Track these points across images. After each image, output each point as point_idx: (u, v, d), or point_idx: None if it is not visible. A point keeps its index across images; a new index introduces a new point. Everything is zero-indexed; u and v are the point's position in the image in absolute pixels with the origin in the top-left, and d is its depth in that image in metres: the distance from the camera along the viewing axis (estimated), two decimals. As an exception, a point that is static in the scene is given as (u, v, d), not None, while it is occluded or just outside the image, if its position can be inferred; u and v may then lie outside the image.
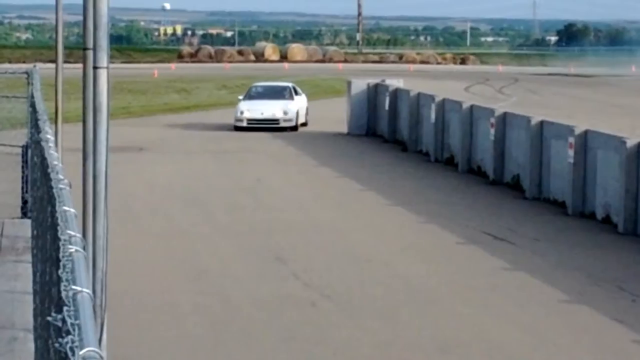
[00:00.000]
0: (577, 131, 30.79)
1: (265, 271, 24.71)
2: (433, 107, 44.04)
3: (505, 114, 37.15)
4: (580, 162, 30.48)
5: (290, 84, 42.90)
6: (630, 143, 27.76)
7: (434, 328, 20.38)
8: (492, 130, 36.82)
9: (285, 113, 38.06)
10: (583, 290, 20.41)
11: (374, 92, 51.84)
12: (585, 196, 29.71)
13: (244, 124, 37.84)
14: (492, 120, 36.70)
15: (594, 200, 28.77)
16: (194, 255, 26.37)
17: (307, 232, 29.68)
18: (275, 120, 37.56)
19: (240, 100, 41.14)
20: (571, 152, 30.77)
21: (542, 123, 33.40)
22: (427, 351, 19.01)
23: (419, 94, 46.83)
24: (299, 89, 47.95)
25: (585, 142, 30.68)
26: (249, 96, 40.44)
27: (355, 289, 23.48)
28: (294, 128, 37.38)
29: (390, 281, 24.29)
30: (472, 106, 41.39)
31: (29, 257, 15.73)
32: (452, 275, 22.97)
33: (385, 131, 49.89)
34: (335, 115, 54.08)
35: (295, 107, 39.28)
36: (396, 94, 49.06)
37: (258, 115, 38.24)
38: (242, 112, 38.79)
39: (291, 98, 41.46)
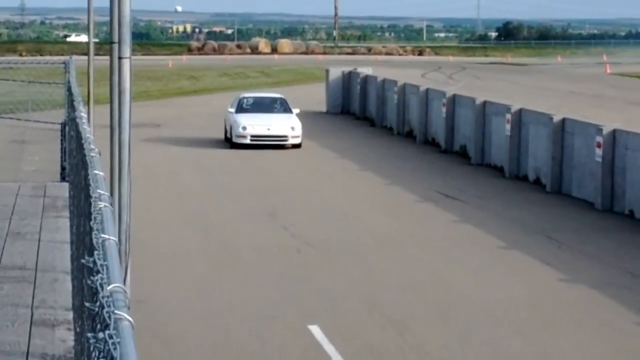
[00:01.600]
0: (513, 109, 31.25)
1: (259, 224, 24.68)
2: (396, 90, 44.42)
3: (454, 96, 37.58)
4: (515, 134, 30.93)
5: (280, 95, 34.92)
6: (556, 119, 28.20)
7: (397, 270, 20.57)
8: (444, 109, 36.95)
9: (292, 129, 29.75)
10: (518, 239, 20.28)
11: (348, 78, 52.31)
12: (519, 162, 29.99)
13: (247, 141, 29.37)
14: (444, 100, 36.91)
15: (527, 166, 29.04)
16: (201, 210, 26.53)
17: (294, 192, 29.76)
18: (284, 137, 29.35)
19: (232, 112, 31.94)
20: (508, 127, 31.12)
21: (484, 103, 33.80)
22: (392, 289, 19.11)
23: (384, 80, 47.24)
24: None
25: (519, 118, 31.12)
26: (242, 109, 31.50)
27: (332, 238, 23.46)
28: (299, 145, 30.12)
29: (362, 232, 24.32)
30: (427, 89, 40.98)
31: (66, 213, 15.79)
32: (412, 227, 22.92)
33: (357, 110, 50.33)
34: (316, 97, 54.04)
35: (299, 122, 30.90)
36: (366, 79, 49.69)
37: (264, 132, 29.56)
38: (244, 128, 29.54)
39: (290, 111, 32.54)
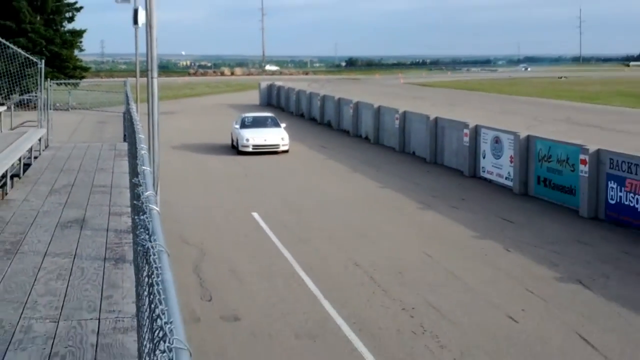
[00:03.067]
0: (400, 110, 29.65)
1: (235, 170, 25.98)
2: (295, 92, 47.85)
3: (380, 107, 36.62)
4: (401, 126, 30.37)
5: (271, 114, 32.71)
6: (432, 117, 26.61)
7: (301, 183, 22.34)
8: (351, 110, 35.56)
9: (282, 139, 28.88)
10: (429, 201, 19.19)
11: (269, 87, 57.04)
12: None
13: (250, 149, 28.23)
14: (351, 106, 35.78)
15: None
16: (201, 161, 28.13)
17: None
18: (276, 145, 28.44)
19: (236, 127, 30.19)
20: (397, 122, 29.91)
21: (379, 107, 33.98)
22: (296, 194, 20.78)
23: (287, 87, 52.56)
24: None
25: (404, 116, 29.37)
26: (244, 125, 29.87)
27: (266, 171, 25.31)
28: (287, 151, 28.72)
29: (284, 168, 25.87)
30: (310, 92, 43.56)
31: (126, 158, 15.61)
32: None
33: (274, 103, 54.50)
34: (253, 97, 59.41)
35: (287, 134, 29.33)
36: (279, 87, 54.69)
37: (262, 142, 28.46)
38: (247, 140, 28.54)
39: (279, 126, 30.37)
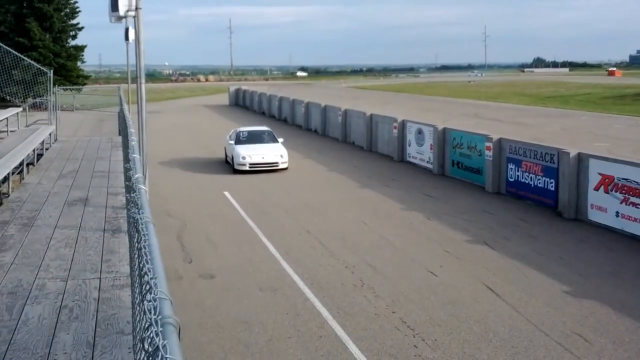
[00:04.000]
0: (342, 109, 28.89)
1: (198, 147, 25.99)
2: (257, 95, 47.18)
3: (326, 105, 33.02)
4: (344, 121, 29.71)
5: (267, 128, 25.17)
6: (368, 114, 26.13)
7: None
8: (303, 108, 36.18)
9: (281, 157, 22.30)
10: (366, 181, 18.72)
11: (236, 91, 55.77)
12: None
13: (247, 168, 21.69)
14: (291, 99, 36.63)
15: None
16: (175, 141, 27.60)
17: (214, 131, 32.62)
18: (275, 163, 21.96)
19: (231, 143, 23.00)
20: (340, 118, 30.04)
21: (325, 106, 33.56)
22: (264, 178, 20.34)
23: (252, 91, 51.02)
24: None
25: (345, 113, 28.60)
26: (239, 140, 23.08)
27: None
28: (286, 169, 22.07)
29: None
30: (270, 95, 43.36)
31: (121, 149, 15.46)
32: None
33: (241, 104, 53.36)
34: (223, 99, 58.23)
35: (285, 150, 22.59)
36: (244, 91, 53.36)
37: (260, 160, 21.91)
38: (244, 158, 21.88)
39: (276, 141, 23.18)
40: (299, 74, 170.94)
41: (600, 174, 13.97)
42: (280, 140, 22.95)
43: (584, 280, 10.71)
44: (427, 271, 11.22)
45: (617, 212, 13.41)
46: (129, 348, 4.81)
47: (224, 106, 54.59)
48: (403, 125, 23.49)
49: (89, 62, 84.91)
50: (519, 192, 16.86)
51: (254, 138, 22.96)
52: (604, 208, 13.82)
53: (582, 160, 14.60)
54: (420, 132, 22.43)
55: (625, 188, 13.23)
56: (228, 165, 23.06)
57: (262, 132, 23.92)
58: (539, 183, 15.99)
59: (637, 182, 12.93)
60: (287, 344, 8.39)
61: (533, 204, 16.09)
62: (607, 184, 13.75)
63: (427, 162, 21.69)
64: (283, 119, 40.31)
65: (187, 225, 14.62)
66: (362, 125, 27.17)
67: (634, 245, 12.59)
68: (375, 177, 20.70)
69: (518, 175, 16.89)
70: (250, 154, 21.64)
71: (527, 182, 16.49)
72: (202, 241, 13.25)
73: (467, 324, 8.99)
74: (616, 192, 13.49)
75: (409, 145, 23.04)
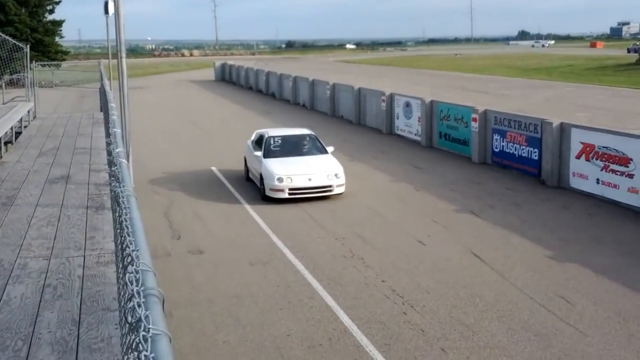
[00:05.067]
0: (330, 83, 28.63)
1: (184, 123, 25.82)
2: (244, 69, 46.56)
3: (314, 80, 32.98)
4: (332, 95, 29.74)
5: (309, 131, 16.13)
6: (356, 87, 25.99)
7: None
8: (291, 83, 35.62)
9: (337, 176, 13.94)
10: (355, 154, 18.54)
11: (222, 65, 54.84)
12: (334, 109, 27.72)
13: (286, 195, 13.57)
14: (277, 73, 35.87)
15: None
16: (160, 118, 27.25)
17: (204, 113, 32.52)
18: (327, 188, 13.77)
19: (258, 155, 14.74)
20: (328, 92, 29.54)
21: (313, 80, 33.04)
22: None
23: (238, 66, 50.11)
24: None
25: (334, 87, 28.39)
26: (270, 151, 14.79)
27: (218, 129, 24.50)
28: (342, 193, 14.14)
29: (232, 129, 24.57)
30: (257, 69, 42.68)
31: (102, 125, 15.01)
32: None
33: (227, 79, 52.61)
34: (209, 74, 57.25)
35: (340, 165, 14.43)
36: (231, 66, 52.32)
37: (305, 183, 13.67)
38: (281, 180, 13.62)
39: (324, 151, 15.08)
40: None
41: (581, 142, 14.03)
42: (330, 149, 15.35)
43: (566, 245, 10.82)
44: (416, 240, 11.27)
45: (598, 179, 13.52)
46: (116, 324, 4.74)
47: (210, 81, 54.10)
48: (391, 99, 23.40)
49: (68, 37, 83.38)
50: (504, 162, 16.90)
51: (291, 147, 15.21)
52: (585, 175, 13.90)
53: (564, 129, 14.66)
54: (408, 105, 22.38)
55: (606, 156, 13.31)
56: (213, 141, 22.61)
57: (303, 137, 15.70)
58: (523, 153, 16.03)
59: (617, 150, 13.01)
60: (278, 316, 8.41)
61: (517, 173, 16.15)
62: (589, 152, 13.82)
63: (415, 134, 21.68)
64: (271, 94, 40.06)
65: (174, 201, 14.52)
66: (351, 99, 27.01)
67: (613, 210, 12.71)
68: (364, 150, 20.66)
69: (503, 146, 16.92)
70: (290, 173, 13.93)
71: (511, 152, 16.53)
72: (190, 217, 13.18)
73: (454, 290, 9.06)
74: (597, 159, 13.57)
75: (397, 118, 22.97)
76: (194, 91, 45.67)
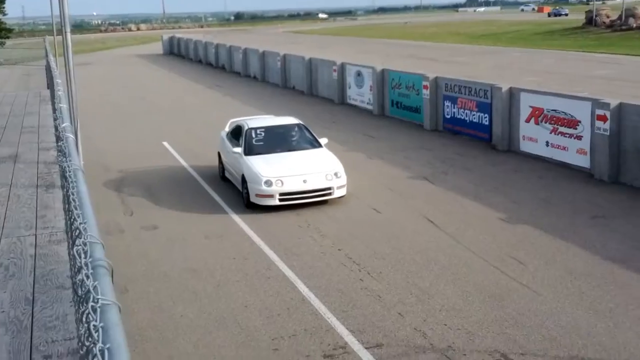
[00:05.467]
0: (281, 54, 28.26)
1: (133, 99, 25.48)
2: (193, 42, 46.52)
3: (264, 51, 32.81)
4: (282, 66, 29.43)
5: (296, 120, 13.09)
6: (307, 58, 25.77)
7: (197, 115, 20.68)
8: (241, 55, 35.51)
9: (337, 175, 11.10)
10: (308, 124, 18.87)
11: (170, 39, 54.00)
12: (286, 80, 27.67)
13: (276, 202, 10.81)
14: (226, 45, 34.99)
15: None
16: (109, 94, 26.76)
17: (142, 77, 32.12)
18: (327, 191, 10.97)
19: (237, 152, 11.87)
20: (279, 64, 29.11)
21: (264, 52, 32.48)
22: (200, 123, 19.65)
23: (186, 38, 49.44)
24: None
25: (284, 58, 28.08)
26: (252, 147, 11.83)
27: (171, 106, 24.36)
28: (343, 196, 11.31)
29: (183, 101, 24.85)
30: (206, 42, 41.98)
31: (49, 102, 14.98)
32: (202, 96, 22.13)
33: (176, 52, 51.72)
34: (157, 49, 56.01)
35: (339, 163, 11.56)
36: (179, 39, 51.66)
37: (299, 186, 10.82)
38: (269, 183, 10.80)
39: (317, 144, 12.14)
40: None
41: (531, 106, 14.28)
42: (324, 141, 12.65)
43: (518, 207, 11.06)
44: (371, 209, 11.37)
45: (547, 142, 13.80)
46: (71, 301, 4.66)
47: (158, 55, 53.08)
48: (342, 68, 23.36)
49: (11, 14, 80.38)
50: (455, 128, 17.10)
51: (277, 140, 12.50)
52: (534, 139, 14.18)
53: (513, 94, 14.89)
54: (359, 74, 22.36)
55: (554, 119, 13.58)
56: (164, 115, 22.27)
57: (290, 127, 12.96)
58: (474, 118, 16.24)
59: (565, 113, 13.29)
60: (235, 287, 8.41)
61: (469, 139, 16.37)
62: (537, 115, 14.08)
63: (367, 103, 21.73)
64: (221, 67, 39.53)
65: (126, 177, 14.34)
66: (302, 69, 26.86)
67: (562, 172, 13.03)
68: (317, 120, 20.51)
69: (454, 112, 17.10)
70: (281, 175, 11.32)
71: (462, 118, 16.72)
72: (142, 193, 13.08)
73: (409, 256, 9.19)
74: (546, 122, 13.85)
75: (349, 88, 22.99)
76: (142, 66, 44.72)
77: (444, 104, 17.51)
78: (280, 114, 16.84)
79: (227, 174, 13.16)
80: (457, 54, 41.38)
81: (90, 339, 2.01)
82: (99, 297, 2.18)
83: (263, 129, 12.70)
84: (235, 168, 12.27)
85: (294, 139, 12.70)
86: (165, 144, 17.68)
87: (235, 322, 7.46)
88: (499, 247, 9.36)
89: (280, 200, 11.20)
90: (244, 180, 11.65)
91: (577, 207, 10.90)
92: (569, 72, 28.58)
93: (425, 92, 18.16)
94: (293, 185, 11.27)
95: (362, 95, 22.13)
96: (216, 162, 13.96)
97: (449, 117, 17.34)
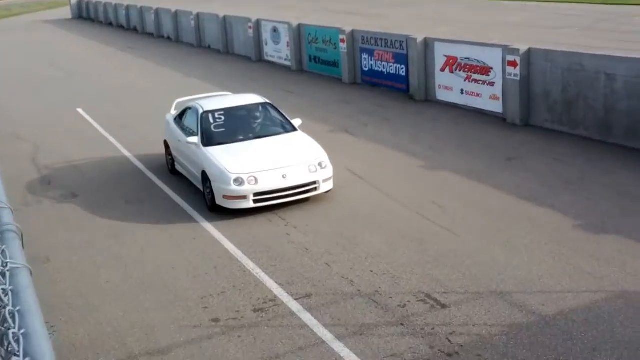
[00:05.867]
0: (194, 13, 27.50)
1: (44, 66, 24.24)
2: (102, 7, 43.39)
3: (177, 10, 32.89)
4: (196, 26, 28.45)
5: (260, 98, 10.54)
6: (221, 15, 24.90)
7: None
8: (153, 16, 35.10)
9: (321, 166, 8.96)
10: (226, 83, 18.74)
11: (80, 2, 50.00)
12: (201, 40, 26.88)
13: (250, 204, 8.63)
14: (153, 10, 34.35)
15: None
16: (20, 63, 25.31)
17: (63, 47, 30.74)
18: (312, 185, 8.87)
19: (192, 142, 9.34)
20: (193, 23, 28.59)
21: (176, 11, 31.72)
22: (115, 88, 19.30)
23: (96, 1, 45.84)
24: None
25: (198, 16, 27.34)
26: (213, 136, 9.40)
27: (82, 71, 23.38)
28: (329, 190, 9.28)
29: (97, 65, 24.48)
30: (116, 4, 40.62)
31: None
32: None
33: (89, 17, 47.34)
34: (65, 13, 52.07)
35: (324, 151, 9.36)
36: (87, 2, 47.99)
37: (277, 183, 8.65)
38: (240, 182, 8.53)
39: (292, 128, 9.88)
40: None
41: (445, 55, 14.53)
42: (297, 122, 10.56)
43: (436, 154, 11.35)
44: (293, 164, 11.32)
45: (462, 90, 14.14)
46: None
47: (67, 20, 50.53)
48: (258, 25, 22.96)
49: None
50: (373, 80, 17.23)
51: (241, 125, 10.28)
52: (450, 87, 14.49)
53: (428, 44, 15.08)
54: (275, 30, 22.07)
55: (468, 67, 13.90)
56: (77, 82, 21.36)
57: (254, 108, 10.68)
58: (391, 70, 16.39)
59: (477, 60, 13.61)
60: (160, 250, 8.31)
61: (387, 90, 16.56)
62: (452, 64, 14.36)
63: (285, 59, 21.54)
64: (133, 28, 38.12)
65: (41, 146, 13.81)
66: (217, 28, 26.22)
67: (477, 118, 13.42)
68: (234, 79, 20.31)
69: (372, 65, 17.20)
70: (254, 170, 9.19)
71: (380, 70, 16.85)
72: (59, 162, 12.63)
73: (335, 208, 9.28)
74: (460, 71, 14.15)
75: (266, 45, 22.64)
76: (50, 32, 42.54)
77: (361, 57, 17.57)
78: (198, 74, 16.46)
79: (178, 168, 10.71)
80: (375, 6, 41.40)
81: (0, 303, 1.93)
82: (7, 261, 2.10)
83: (222, 112, 10.17)
84: (192, 162, 9.85)
85: (261, 122, 10.29)
86: (80, 110, 17.08)
87: (162, 283, 7.40)
88: (419, 193, 9.59)
89: (255, 201, 9.00)
90: (205, 179, 9.31)
91: (492, 151, 11.28)
92: (481, 20, 29.18)
93: (343, 46, 18.15)
94: (270, 182, 9.02)
95: (279, 51, 21.90)
96: (158, 150, 11.54)
97: (367, 69, 17.43)
